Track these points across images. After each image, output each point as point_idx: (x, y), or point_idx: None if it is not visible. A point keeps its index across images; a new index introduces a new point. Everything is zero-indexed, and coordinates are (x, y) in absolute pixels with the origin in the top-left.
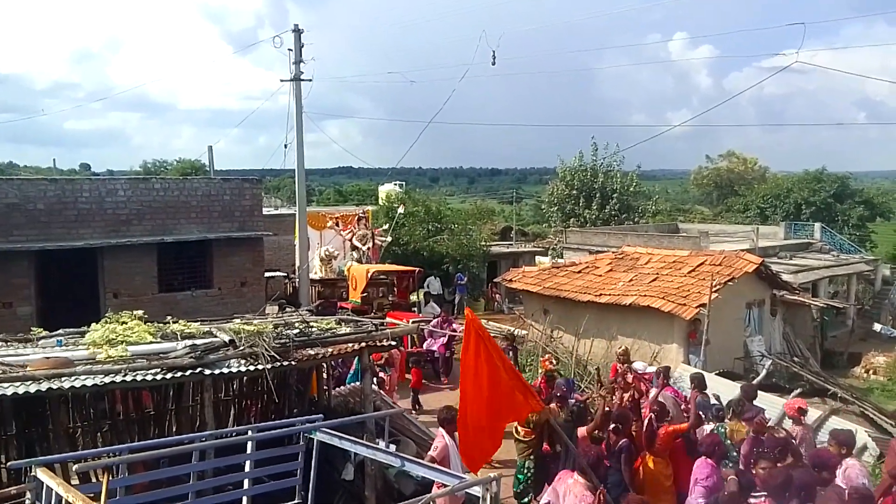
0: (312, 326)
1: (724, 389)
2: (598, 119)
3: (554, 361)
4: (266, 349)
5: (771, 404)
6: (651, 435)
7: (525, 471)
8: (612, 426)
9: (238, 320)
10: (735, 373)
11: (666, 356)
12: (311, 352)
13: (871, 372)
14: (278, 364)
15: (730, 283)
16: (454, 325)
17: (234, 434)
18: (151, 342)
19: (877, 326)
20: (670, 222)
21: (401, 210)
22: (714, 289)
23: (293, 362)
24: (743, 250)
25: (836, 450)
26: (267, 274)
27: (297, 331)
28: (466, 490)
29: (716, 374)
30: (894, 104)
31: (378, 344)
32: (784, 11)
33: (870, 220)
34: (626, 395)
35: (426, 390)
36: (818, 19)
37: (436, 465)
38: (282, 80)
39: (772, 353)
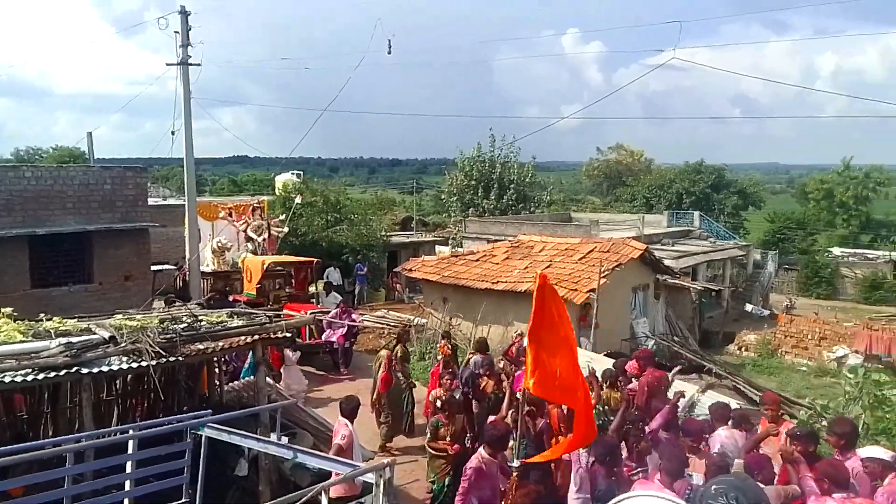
0: (201, 320)
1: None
2: (496, 112)
3: (449, 347)
4: (150, 345)
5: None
6: (569, 416)
7: (443, 489)
8: (527, 409)
9: (120, 316)
10: (622, 353)
11: None
12: (200, 346)
13: (743, 349)
14: (164, 360)
15: (617, 269)
16: (353, 316)
17: (114, 434)
18: (22, 341)
19: (748, 307)
20: (564, 212)
21: (298, 200)
22: (603, 274)
23: (180, 358)
24: (630, 238)
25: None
26: (155, 267)
27: (185, 325)
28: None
29: (604, 354)
30: (766, 101)
31: (272, 336)
32: (665, 9)
33: (743, 208)
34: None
35: (326, 381)
36: (696, 18)
37: (328, 455)
38: (168, 64)
39: (655, 334)
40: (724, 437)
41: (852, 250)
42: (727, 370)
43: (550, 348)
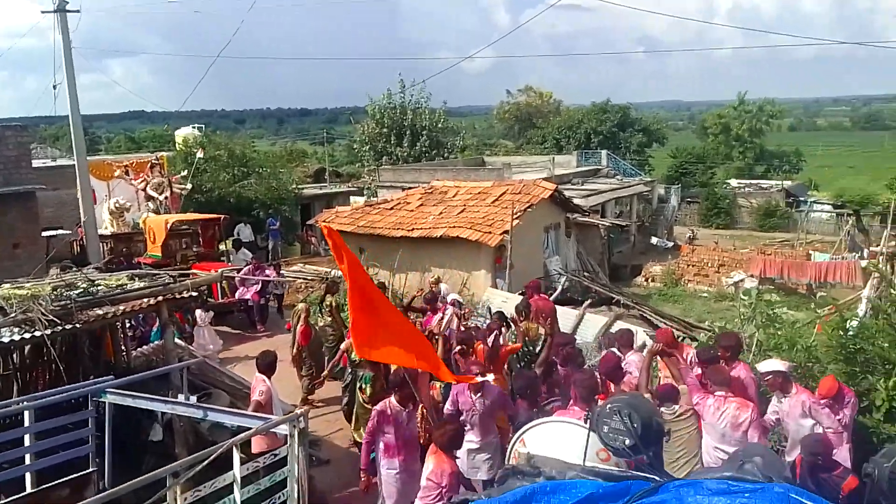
0: (99, 285)
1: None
2: (405, 56)
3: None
4: (42, 313)
5: (566, 315)
6: (495, 353)
7: None
8: (458, 348)
9: (8, 285)
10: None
11: (475, 282)
12: (99, 312)
13: (650, 280)
14: (59, 329)
15: (529, 210)
16: (267, 272)
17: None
18: None
19: (654, 240)
20: (477, 156)
21: (200, 155)
22: (515, 216)
23: (77, 325)
24: (541, 179)
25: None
26: (47, 233)
27: (80, 291)
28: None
29: (519, 293)
30: (670, 39)
31: (178, 297)
32: None
33: (647, 146)
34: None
35: (243, 340)
36: None
37: (240, 411)
38: (43, 12)
39: (567, 271)
40: (636, 361)
41: (748, 181)
42: (635, 301)
43: (368, 308)
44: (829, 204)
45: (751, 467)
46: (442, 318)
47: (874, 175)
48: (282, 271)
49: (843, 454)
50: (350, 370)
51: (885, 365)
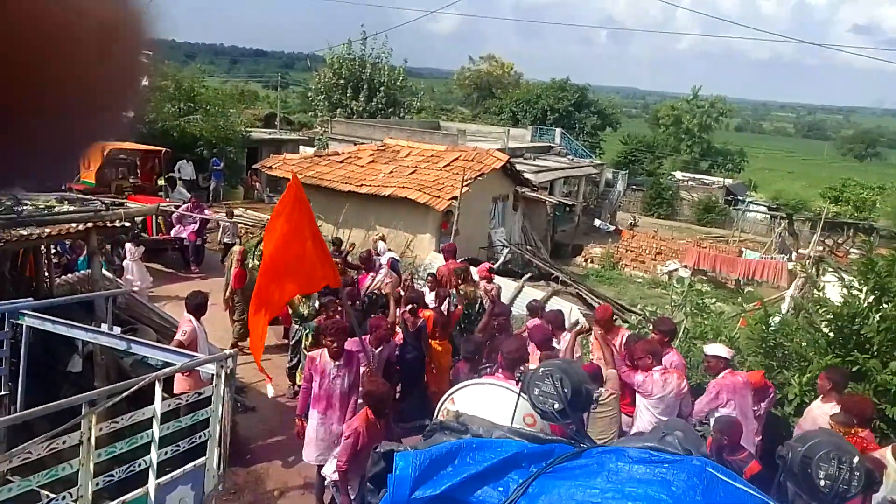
0: (26, 204)
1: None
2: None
3: None
4: None
5: (505, 287)
6: (447, 321)
7: None
8: (408, 307)
9: None
10: (479, 260)
11: (419, 245)
12: (23, 232)
13: (589, 261)
14: None
15: (479, 179)
16: (206, 212)
17: None
18: None
19: (597, 222)
20: (433, 119)
21: (144, 82)
22: (465, 183)
23: None
24: (494, 149)
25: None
26: None
27: (4, 207)
28: (200, 368)
29: (461, 261)
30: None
31: (109, 225)
32: None
33: (601, 129)
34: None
35: (176, 279)
36: None
37: (166, 346)
38: None
39: (511, 243)
40: (568, 341)
41: (692, 175)
42: (573, 279)
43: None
44: (764, 205)
45: (672, 439)
46: (375, 278)
47: (811, 182)
48: (220, 214)
49: (750, 440)
50: (296, 328)
51: (801, 361)
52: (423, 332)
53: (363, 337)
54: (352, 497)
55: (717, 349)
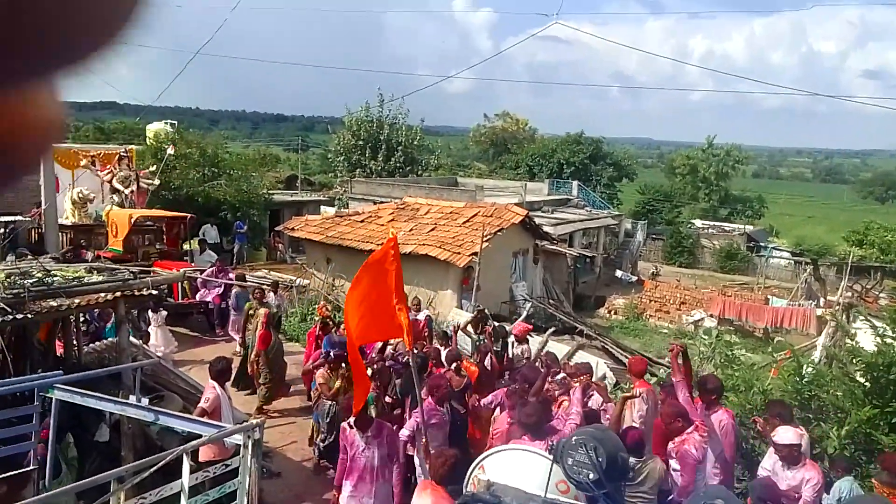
0: (55, 275)
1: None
2: (386, 72)
3: (329, 308)
4: None
5: (530, 342)
6: (489, 376)
7: None
8: (452, 365)
9: None
10: (501, 315)
11: (441, 301)
12: (53, 303)
13: (612, 312)
14: (10, 318)
15: (499, 234)
16: (231, 275)
17: None
18: None
19: (618, 273)
20: (450, 176)
21: (170, 151)
22: (485, 238)
23: (29, 315)
24: (512, 204)
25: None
26: (5, 218)
27: (35, 280)
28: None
29: (477, 309)
30: (643, 79)
31: (136, 294)
32: None
33: (617, 180)
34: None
35: (201, 343)
36: None
37: (193, 417)
38: None
39: (533, 297)
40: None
41: (712, 222)
42: (597, 332)
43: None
44: (787, 251)
45: None
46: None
47: (832, 226)
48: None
49: None
50: (329, 404)
51: (838, 413)
52: (469, 390)
53: (424, 398)
54: None
55: (789, 437)
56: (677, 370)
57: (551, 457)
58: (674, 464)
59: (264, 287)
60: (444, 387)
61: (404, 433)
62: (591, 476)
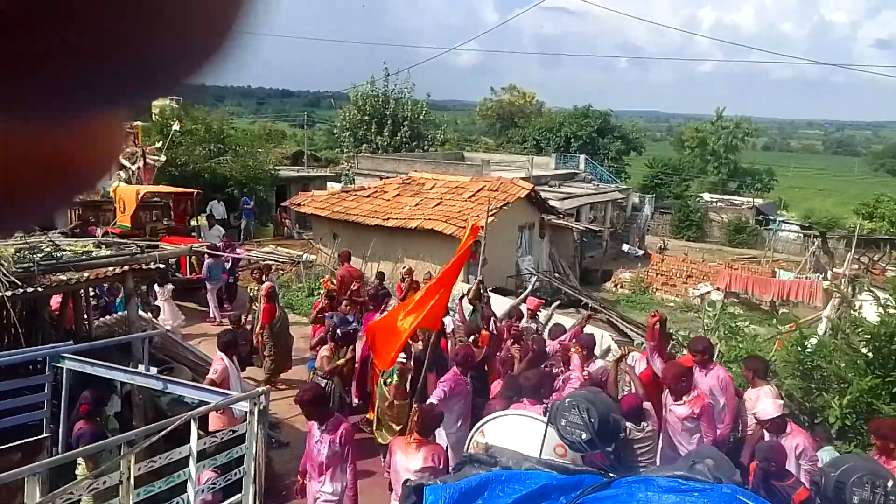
0: (64, 249)
1: (496, 304)
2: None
3: (334, 281)
4: (4, 275)
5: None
6: (498, 339)
7: None
8: (470, 338)
9: None
10: (507, 289)
11: None
12: (63, 277)
13: (619, 286)
14: (20, 291)
15: (505, 208)
16: (238, 250)
17: None
18: None
19: (625, 247)
20: (457, 151)
21: (176, 127)
22: (491, 213)
23: (39, 289)
24: (519, 178)
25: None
26: None
27: (44, 254)
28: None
29: (490, 290)
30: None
31: (144, 267)
32: None
33: (625, 153)
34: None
35: (209, 317)
36: None
37: (203, 385)
38: None
39: (539, 271)
40: (602, 367)
41: (720, 196)
42: (603, 305)
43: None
44: (796, 224)
45: (702, 467)
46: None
47: (842, 199)
48: (251, 252)
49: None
50: (325, 382)
51: (840, 384)
52: (489, 360)
53: (453, 369)
54: None
55: (770, 409)
56: (651, 336)
57: (546, 420)
58: (681, 412)
59: (262, 266)
60: (473, 357)
61: (432, 401)
62: (584, 436)
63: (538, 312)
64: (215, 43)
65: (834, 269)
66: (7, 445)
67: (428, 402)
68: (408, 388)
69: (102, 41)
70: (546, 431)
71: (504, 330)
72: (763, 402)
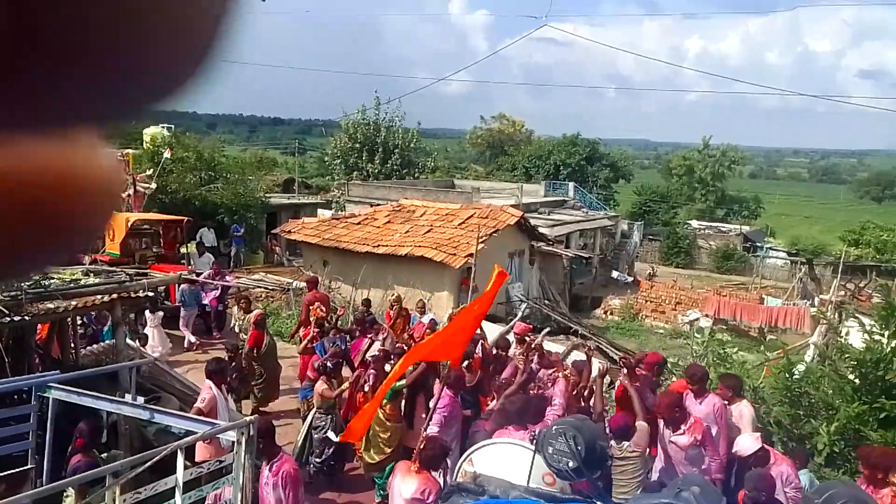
0: (53, 277)
1: (486, 331)
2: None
3: (323, 309)
4: None
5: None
6: (488, 359)
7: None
8: (464, 363)
9: None
10: (497, 316)
11: (437, 302)
12: (51, 305)
13: (608, 313)
14: (7, 320)
15: (495, 235)
16: (227, 278)
17: None
18: None
19: (615, 274)
20: (447, 178)
21: (167, 155)
22: (481, 240)
23: (26, 317)
24: (508, 205)
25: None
26: None
27: (31, 282)
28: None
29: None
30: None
31: (133, 295)
32: None
33: (614, 181)
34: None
35: (198, 345)
36: None
37: (188, 415)
38: None
39: (529, 298)
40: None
41: (708, 223)
42: (593, 332)
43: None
44: (783, 251)
45: (687, 495)
46: (374, 341)
47: (828, 226)
48: (241, 279)
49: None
50: (320, 417)
51: (828, 410)
52: (482, 386)
53: (444, 391)
54: None
55: (750, 445)
56: (632, 380)
57: (533, 448)
58: (683, 441)
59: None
60: (464, 379)
61: (433, 428)
62: (571, 464)
63: (526, 337)
64: (189, 67)
65: (821, 296)
66: None
67: (431, 432)
68: (402, 410)
69: (75, 54)
70: (534, 459)
71: (491, 356)
72: (741, 440)
